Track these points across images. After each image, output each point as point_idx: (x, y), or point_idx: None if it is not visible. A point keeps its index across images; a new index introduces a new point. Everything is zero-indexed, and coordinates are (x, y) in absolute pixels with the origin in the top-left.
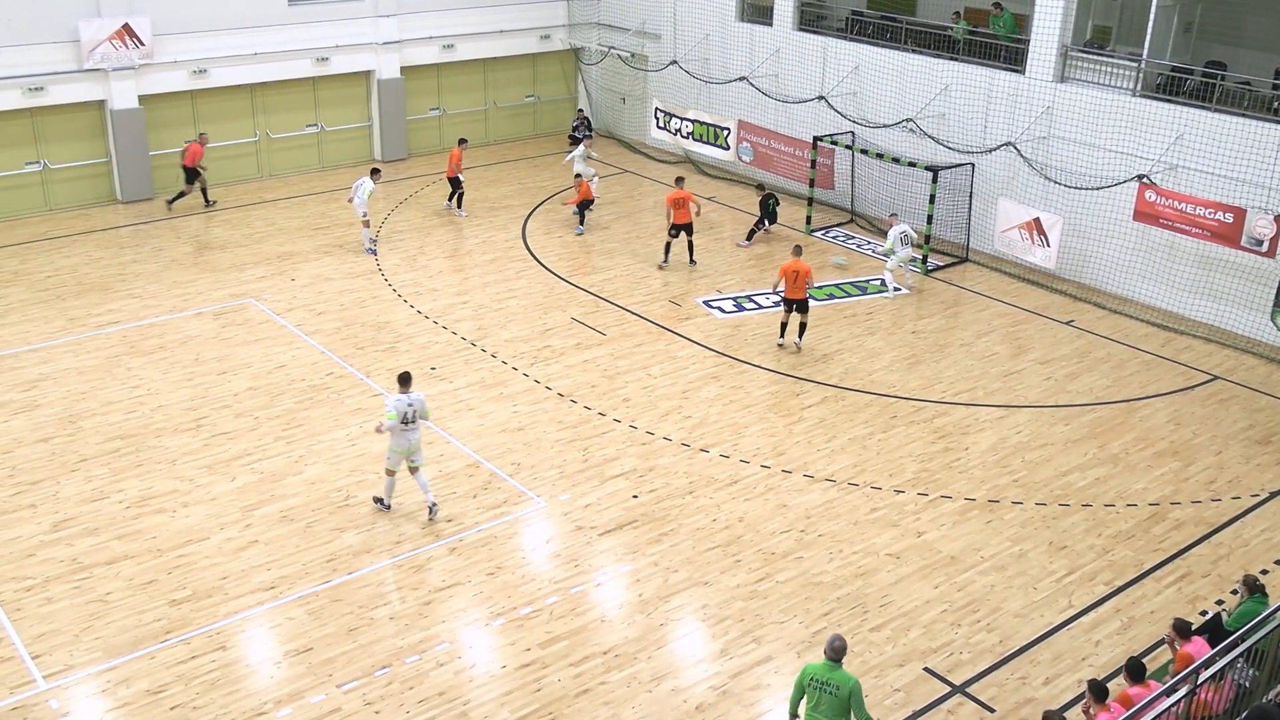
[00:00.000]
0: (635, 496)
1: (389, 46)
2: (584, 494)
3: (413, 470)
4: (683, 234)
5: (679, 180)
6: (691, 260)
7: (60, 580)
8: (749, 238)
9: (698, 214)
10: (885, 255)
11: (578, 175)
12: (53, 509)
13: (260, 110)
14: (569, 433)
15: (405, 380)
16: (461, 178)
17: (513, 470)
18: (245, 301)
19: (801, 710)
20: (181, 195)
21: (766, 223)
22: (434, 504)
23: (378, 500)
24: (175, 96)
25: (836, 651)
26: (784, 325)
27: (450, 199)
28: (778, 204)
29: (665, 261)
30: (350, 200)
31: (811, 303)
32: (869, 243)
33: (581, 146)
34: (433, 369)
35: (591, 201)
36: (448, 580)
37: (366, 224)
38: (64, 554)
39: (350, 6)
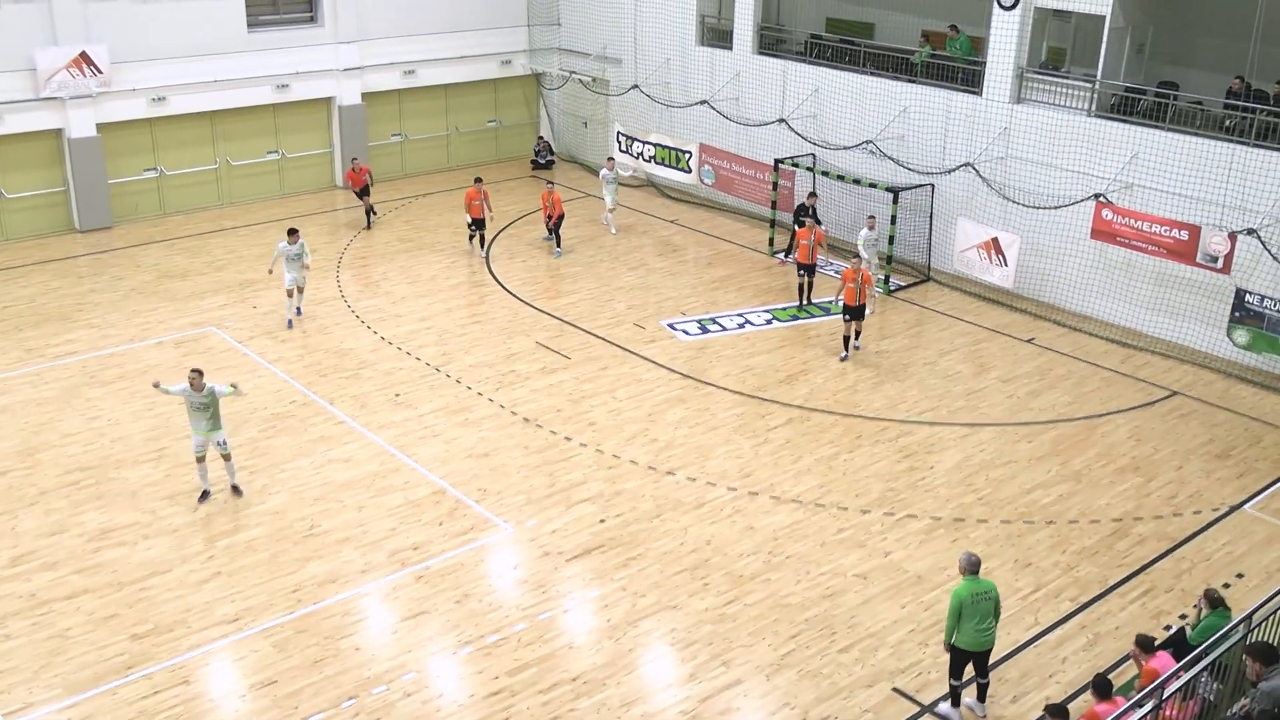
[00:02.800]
0: (602, 521)
1: (350, 73)
2: (551, 519)
3: (224, 458)
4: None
5: (478, 180)
6: (485, 253)
7: (19, 616)
8: (788, 253)
9: (490, 216)
10: (871, 255)
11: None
12: (11, 543)
13: (220, 137)
14: (535, 458)
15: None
16: (483, 219)
17: (479, 496)
18: (206, 330)
19: (965, 630)
20: (371, 212)
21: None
22: (207, 491)
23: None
24: (133, 125)
25: (974, 565)
26: (846, 339)
27: (474, 240)
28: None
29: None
30: (270, 271)
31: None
32: (830, 264)
33: (612, 171)
34: (397, 395)
35: (563, 217)
36: (414, 609)
37: (289, 293)
38: (22, 589)
39: (310, 33)
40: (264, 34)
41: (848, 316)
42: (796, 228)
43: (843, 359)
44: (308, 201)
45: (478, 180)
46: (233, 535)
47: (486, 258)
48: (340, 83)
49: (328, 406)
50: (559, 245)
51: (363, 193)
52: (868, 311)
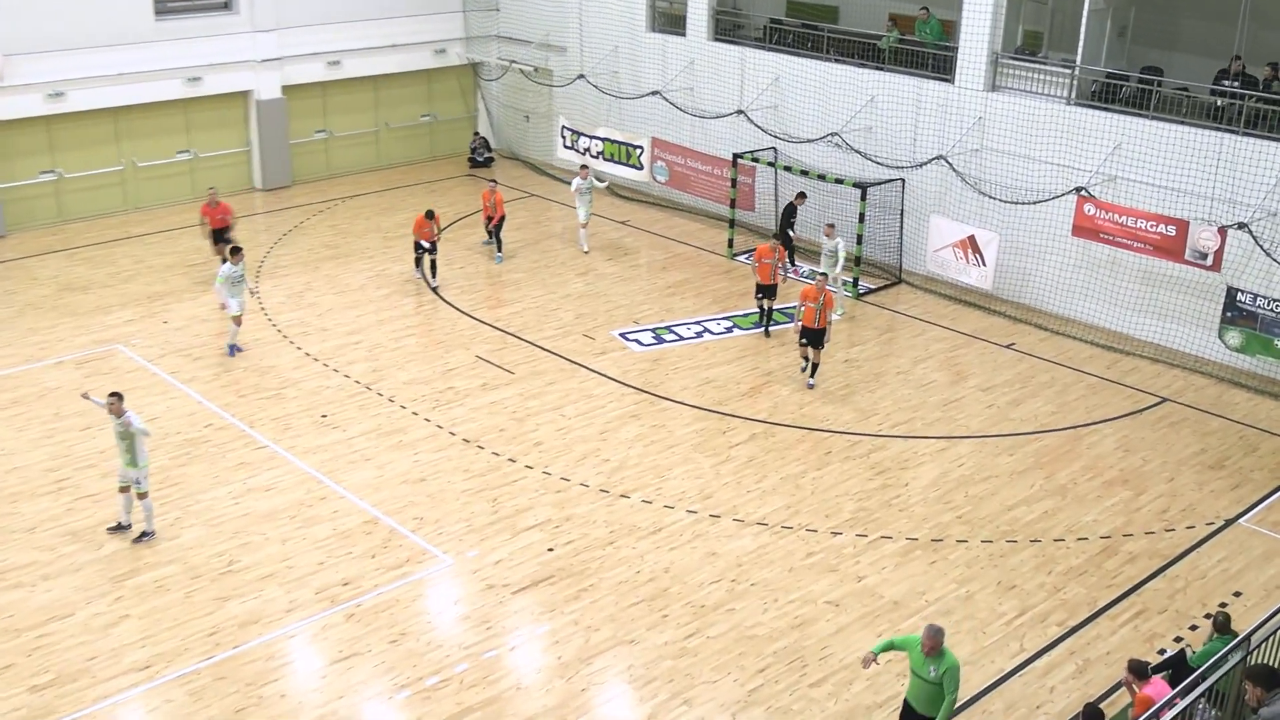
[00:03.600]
0: (551, 550)
1: (268, 64)
2: (494, 549)
3: (139, 496)
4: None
5: (429, 214)
6: (432, 280)
7: None
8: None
9: (436, 236)
10: (828, 268)
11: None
12: None
13: (125, 136)
14: (476, 482)
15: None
16: (429, 245)
17: (415, 526)
18: (111, 348)
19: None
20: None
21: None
22: (128, 525)
23: (117, 527)
24: (28, 123)
25: (935, 639)
26: (763, 313)
27: (421, 264)
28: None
29: (428, 278)
30: (224, 306)
31: (773, 328)
32: (796, 265)
33: (585, 180)
34: (324, 416)
35: (504, 219)
36: (345, 650)
37: (237, 320)
38: None
39: (224, 21)
40: (173, 22)
41: (804, 340)
42: (774, 239)
43: (810, 386)
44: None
45: (429, 214)
46: (142, 574)
47: (435, 289)
48: (258, 75)
49: (247, 430)
50: (500, 250)
51: (221, 235)
52: (825, 339)
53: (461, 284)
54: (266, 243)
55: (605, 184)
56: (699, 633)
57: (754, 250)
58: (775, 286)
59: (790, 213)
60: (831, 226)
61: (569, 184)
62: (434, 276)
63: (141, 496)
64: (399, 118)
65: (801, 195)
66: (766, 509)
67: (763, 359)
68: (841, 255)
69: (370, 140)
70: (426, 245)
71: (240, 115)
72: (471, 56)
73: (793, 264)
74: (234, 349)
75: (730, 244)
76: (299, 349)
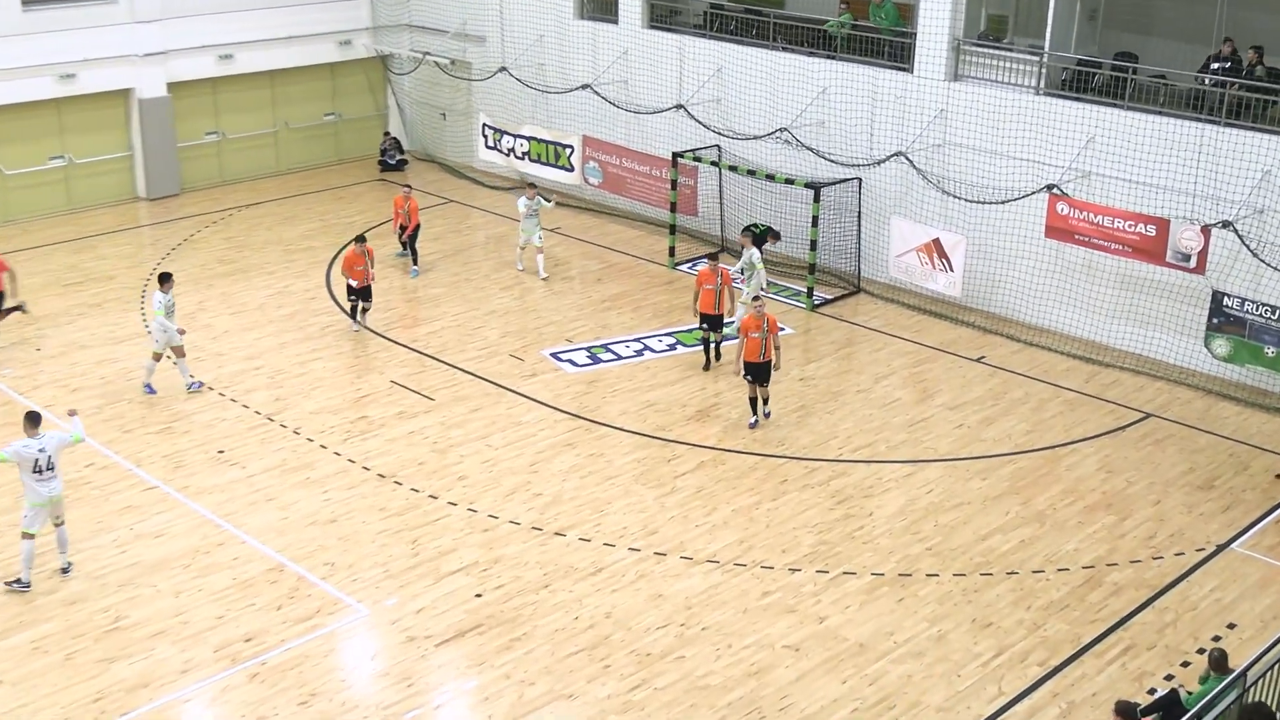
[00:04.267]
0: (479, 595)
1: (151, 59)
2: (415, 596)
3: (56, 525)
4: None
5: (360, 239)
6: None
7: None
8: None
9: (371, 277)
10: (746, 280)
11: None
12: None
13: None
14: (394, 522)
15: (34, 420)
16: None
17: (325, 572)
18: None
19: None
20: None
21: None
22: (68, 566)
23: (14, 582)
24: None
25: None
26: (753, 401)
27: (357, 313)
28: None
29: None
30: (159, 355)
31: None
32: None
33: (533, 199)
34: (220, 452)
35: (419, 227)
36: (249, 715)
37: (178, 353)
38: None
39: (101, 10)
40: (43, 13)
41: (750, 377)
42: (708, 260)
43: (751, 425)
44: (103, 217)
45: (360, 239)
46: (16, 634)
47: (363, 325)
48: (140, 71)
49: (134, 469)
50: (415, 262)
51: None
52: (774, 369)
53: (374, 301)
54: (152, 258)
55: (552, 203)
56: (645, 684)
57: (697, 271)
58: (721, 317)
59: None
60: (747, 235)
61: (485, 184)
62: (363, 319)
63: (58, 525)
64: (300, 117)
65: (775, 235)
66: (717, 544)
67: (710, 379)
68: (760, 268)
69: (268, 142)
70: (357, 287)
71: (120, 116)
72: (380, 48)
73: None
74: (195, 385)
75: (671, 252)
76: (191, 376)
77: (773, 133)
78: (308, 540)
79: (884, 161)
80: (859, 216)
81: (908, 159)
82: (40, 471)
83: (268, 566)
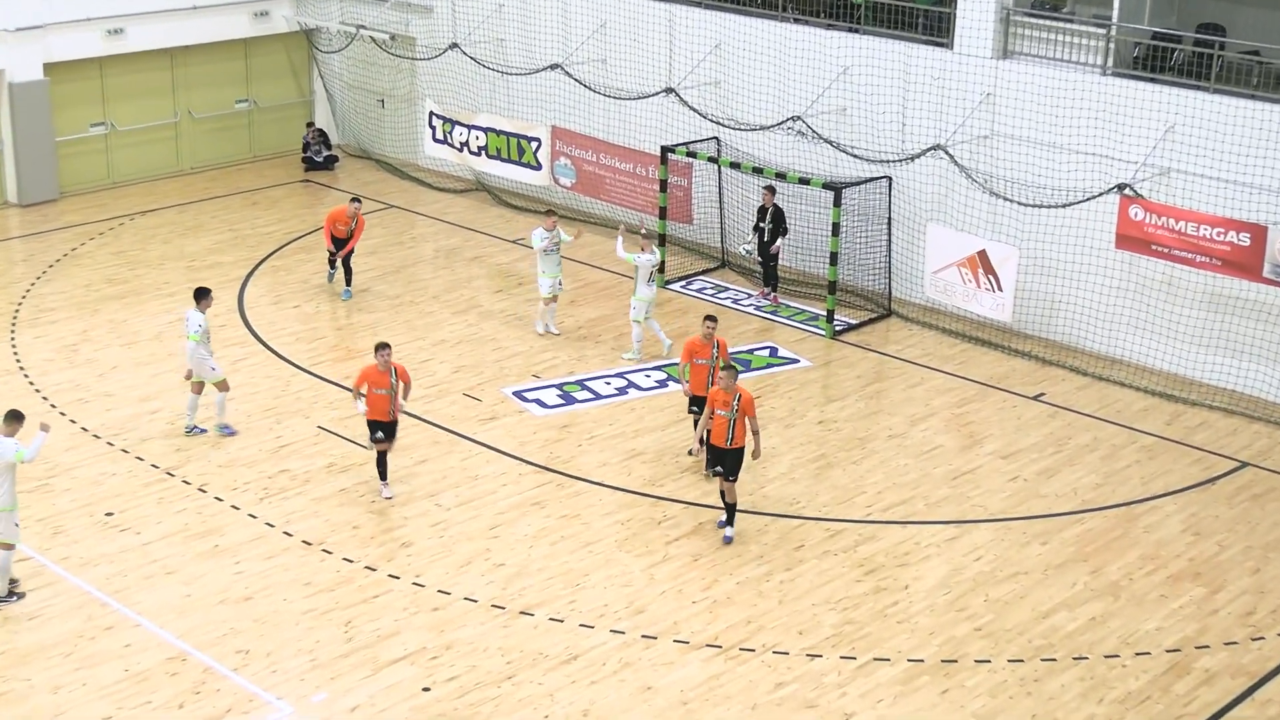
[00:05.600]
0: (427, 690)
1: (24, 34)
2: (349, 690)
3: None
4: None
5: (355, 200)
6: (342, 282)
7: None
8: (766, 281)
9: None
10: (634, 301)
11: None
12: None
13: None
14: (323, 599)
15: (9, 417)
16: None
17: (238, 662)
18: None
19: None
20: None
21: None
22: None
23: (9, 596)
24: None
25: None
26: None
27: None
28: (769, 228)
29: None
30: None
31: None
32: (747, 295)
33: (551, 230)
34: (108, 515)
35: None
36: None
37: (222, 386)
38: None
39: None
40: None
41: (715, 470)
42: (709, 324)
43: (722, 526)
44: None
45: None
46: None
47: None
48: (8, 49)
49: None
50: (349, 282)
51: None
52: (750, 454)
53: (296, 328)
54: (25, 278)
55: (574, 237)
56: None
57: (687, 342)
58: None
59: (761, 216)
60: (649, 238)
61: (433, 186)
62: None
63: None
64: (206, 105)
65: (771, 190)
66: (719, 625)
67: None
68: (644, 281)
69: (167, 136)
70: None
71: None
72: (304, 21)
73: (769, 284)
74: (228, 430)
75: (661, 268)
76: (73, 422)
77: (783, 122)
78: (216, 622)
79: (919, 157)
80: (889, 224)
81: (947, 154)
82: None
83: (167, 655)
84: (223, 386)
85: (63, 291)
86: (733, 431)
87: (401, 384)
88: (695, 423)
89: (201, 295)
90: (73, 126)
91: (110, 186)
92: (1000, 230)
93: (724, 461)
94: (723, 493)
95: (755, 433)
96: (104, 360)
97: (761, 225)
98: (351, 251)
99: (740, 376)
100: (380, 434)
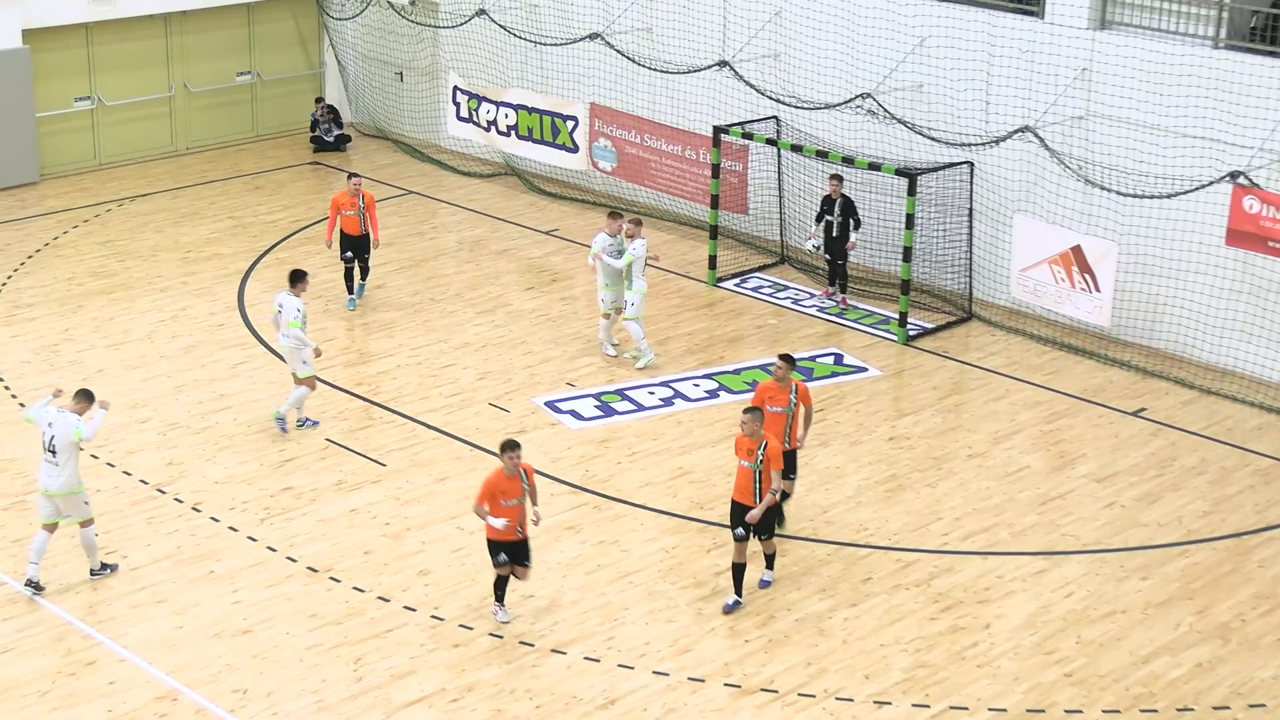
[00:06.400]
0: None
1: None
2: None
3: (82, 525)
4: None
5: (352, 176)
6: (354, 286)
7: None
8: (832, 281)
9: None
10: (629, 295)
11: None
12: None
13: None
14: (329, 634)
15: (78, 396)
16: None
17: (235, 703)
18: None
19: None
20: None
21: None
22: (100, 567)
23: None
24: None
25: None
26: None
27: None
28: (840, 215)
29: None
30: (282, 338)
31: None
32: (810, 294)
33: (614, 236)
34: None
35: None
36: None
37: (308, 383)
38: None
39: None
40: None
41: (740, 530)
42: (776, 363)
43: (728, 608)
44: None
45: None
46: None
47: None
48: None
49: None
50: (363, 276)
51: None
52: (778, 520)
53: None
54: (3, 267)
55: (640, 251)
56: None
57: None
58: (794, 455)
59: (827, 207)
60: (637, 223)
61: (457, 170)
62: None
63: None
64: (204, 78)
65: (838, 179)
66: (776, 667)
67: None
68: (639, 274)
69: (160, 112)
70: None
71: None
72: None
73: (834, 284)
74: (309, 422)
75: (712, 263)
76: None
77: (851, 100)
78: (211, 658)
79: (1004, 140)
80: (970, 215)
81: (1037, 136)
82: (45, 449)
83: (156, 694)
84: (309, 383)
85: (42, 285)
86: (759, 486)
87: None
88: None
89: (298, 278)
90: (55, 101)
91: (96, 168)
92: (1097, 223)
93: (744, 516)
94: (743, 558)
95: (774, 491)
96: (88, 363)
97: (829, 217)
98: (375, 242)
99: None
100: (504, 556)
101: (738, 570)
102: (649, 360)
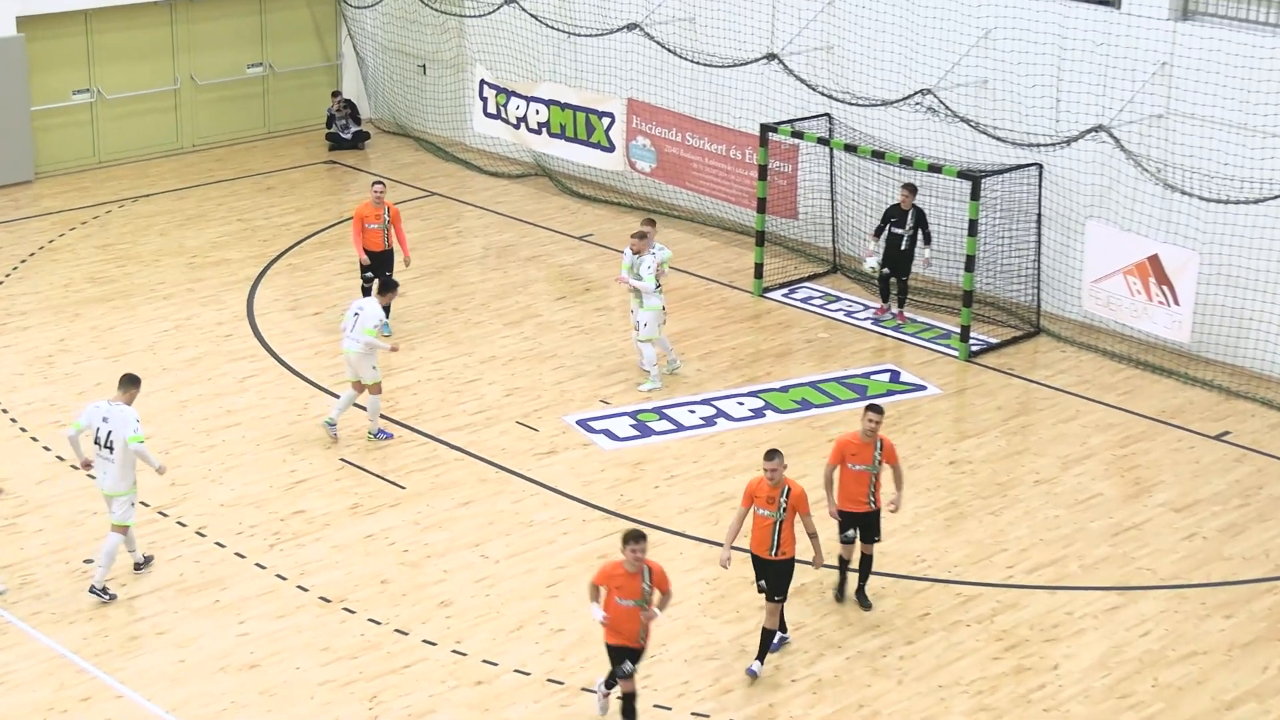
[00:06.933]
0: None
1: None
2: None
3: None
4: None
5: (378, 184)
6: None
7: None
8: (885, 297)
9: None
10: (642, 315)
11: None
12: None
13: None
14: (344, 668)
15: (124, 382)
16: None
17: None
18: None
19: None
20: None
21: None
22: (142, 560)
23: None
24: None
25: None
26: (843, 573)
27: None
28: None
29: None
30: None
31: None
32: (864, 306)
33: (643, 250)
34: (88, 562)
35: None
36: None
37: (375, 389)
38: None
39: None
40: None
41: (761, 582)
42: (866, 415)
43: (751, 672)
44: None
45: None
46: None
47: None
48: None
49: None
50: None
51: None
52: (813, 562)
53: (316, 340)
54: None
55: (657, 268)
56: None
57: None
58: (875, 516)
59: (892, 219)
60: (642, 236)
61: (483, 170)
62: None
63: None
64: (212, 69)
65: (910, 189)
66: (825, 709)
67: (813, 458)
68: (653, 280)
69: (165, 106)
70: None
71: None
72: None
73: (888, 300)
74: (384, 434)
75: (758, 271)
76: (48, 450)
77: (910, 97)
78: (215, 694)
79: (1076, 140)
80: (1038, 221)
81: (1112, 136)
82: (98, 445)
83: None
84: (376, 389)
85: (37, 292)
86: (778, 537)
87: (658, 593)
88: (839, 572)
89: (389, 288)
90: (52, 94)
91: (96, 166)
92: (1177, 231)
93: (768, 576)
94: (772, 622)
95: (812, 535)
96: (85, 375)
97: (897, 230)
98: (407, 261)
99: (855, 407)
100: (629, 665)
101: (765, 634)
102: (654, 387)
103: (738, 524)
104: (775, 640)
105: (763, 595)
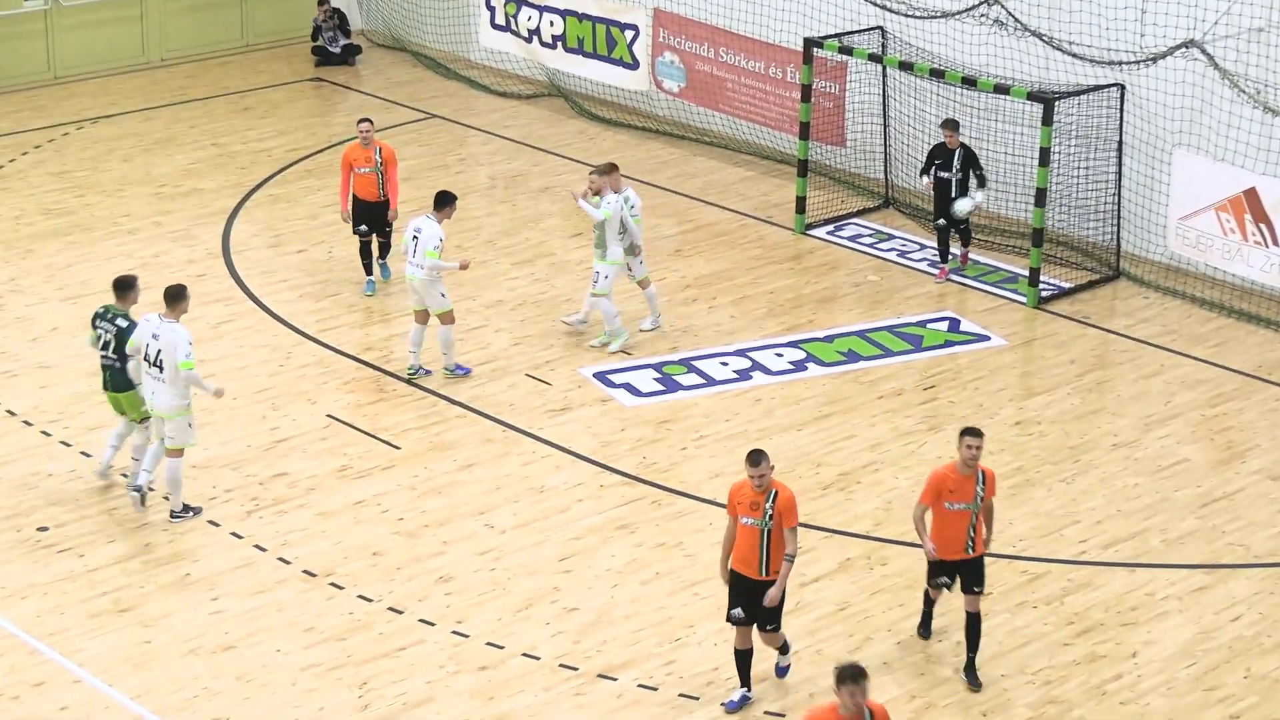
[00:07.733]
0: None
1: None
2: None
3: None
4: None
5: (364, 121)
6: (373, 266)
7: None
8: (945, 257)
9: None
10: (601, 267)
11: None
12: None
13: None
14: (329, 651)
15: (170, 295)
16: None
17: None
18: None
19: None
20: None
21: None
22: (138, 489)
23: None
24: None
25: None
26: (928, 612)
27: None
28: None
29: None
30: (416, 270)
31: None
32: (920, 245)
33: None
34: (42, 530)
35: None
36: None
37: (446, 318)
38: None
39: None
40: None
41: (735, 611)
42: (964, 442)
43: (730, 707)
44: None
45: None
46: None
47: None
48: None
49: None
50: (384, 255)
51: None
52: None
53: (300, 281)
54: None
55: (624, 224)
56: None
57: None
58: (978, 563)
59: (937, 161)
60: (603, 173)
61: (490, 89)
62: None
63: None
64: None
65: (952, 125)
66: (879, 697)
67: (864, 418)
68: (609, 216)
69: (130, 15)
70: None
71: None
72: None
73: (946, 260)
74: (461, 369)
75: (800, 206)
76: None
77: (973, 8)
78: (185, 679)
79: (1164, 57)
80: (1119, 150)
81: (1204, 53)
82: (148, 363)
83: None
84: (448, 318)
85: None
86: (767, 551)
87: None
88: (924, 608)
89: (445, 201)
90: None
91: (51, 83)
92: (1277, 161)
93: (753, 599)
94: (746, 644)
95: (789, 557)
96: (38, 319)
97: (943, 174)
98: (394, 214)
99: (909, 359)
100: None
101: (741, 658)
102: (624, 342)
103: (731, 539)
104: (781, 667)
105: (735, 625)
